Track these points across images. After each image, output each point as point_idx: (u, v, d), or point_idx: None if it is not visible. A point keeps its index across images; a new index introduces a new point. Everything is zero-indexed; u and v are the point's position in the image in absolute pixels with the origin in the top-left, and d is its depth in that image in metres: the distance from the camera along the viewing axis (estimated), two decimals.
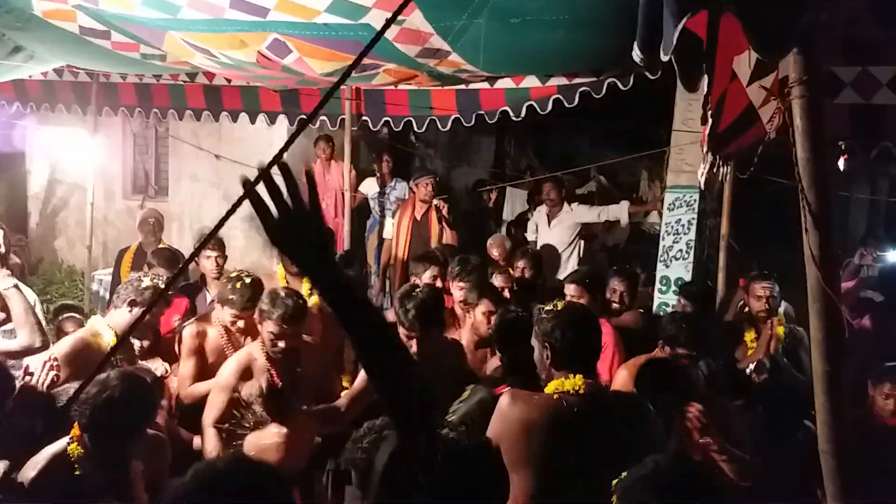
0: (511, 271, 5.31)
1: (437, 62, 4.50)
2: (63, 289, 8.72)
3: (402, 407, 1.72)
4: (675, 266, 5.23)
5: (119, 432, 2.66)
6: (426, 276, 4.66)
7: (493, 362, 3.77)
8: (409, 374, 1.70)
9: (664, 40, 1.92)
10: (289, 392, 3.39)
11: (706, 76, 2.42)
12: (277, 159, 1.59)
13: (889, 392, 3.72)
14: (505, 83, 5.51)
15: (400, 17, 3.69)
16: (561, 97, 5.30)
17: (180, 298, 4.93)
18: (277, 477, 1.66)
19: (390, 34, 3.98)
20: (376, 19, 3.75)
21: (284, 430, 3.11)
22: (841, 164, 4.43)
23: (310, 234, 1.54)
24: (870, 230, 8.74)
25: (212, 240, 4.90)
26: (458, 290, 4.38)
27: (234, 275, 4.14)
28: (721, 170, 3.15)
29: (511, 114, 5.61)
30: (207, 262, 5.13)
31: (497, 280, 4.84)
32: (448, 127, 6.08)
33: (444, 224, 6.59)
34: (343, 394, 3.67)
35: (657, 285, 5.35)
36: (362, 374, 3.34)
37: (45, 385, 3.23)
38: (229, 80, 6.38)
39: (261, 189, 1.51)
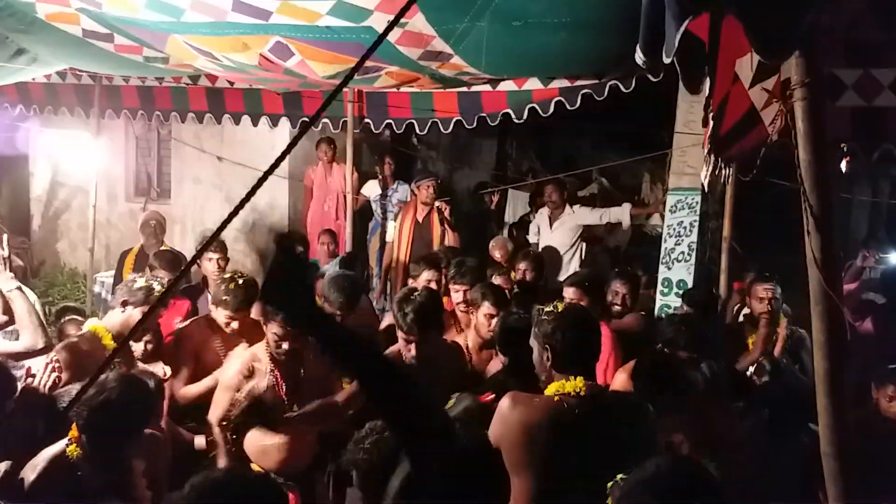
0: (511, 273, 5.31)
1: (440, 65, 4.50)
2: (65, 291, 8.73)
3: (398, 417, 1.74)
4: (676, 268, 5.22)
5: (116, 434, 2.67)
6: (422, 280, 4.66)
7: (494, 364, 3.77)
8: (403, 391, 1.73)
9: (666, 43, 1.92)
10: (276, 404, 3.40)
11: (708, 78, 2.42)
12: (280, 161, 1.60)
13: (893, 394, 3.73)
14: (507, 85, 5.52)
15: (402, 20, 3.70)
16: (563, 99, 5.30)
17: (182, 300, 4.94)
18: (276, 489, 1.68)
19: (392, 37, 3.99)
20: (378, 22, 3.75)
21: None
22: (843, 166, 4.43)
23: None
24: (871, 232, 8.74)
25: (214, 242, 4.93)
26: (455, 293, 4.39)
27: (227, 276, 4.15)
28: (723, 172, 3.14)
29: (513, 116, 5.62)
30: (209, 264, 5.14)
31: (497, 282, 4.84)
32: (450, 129, 6.08)
33: (445, 226, 6.60)
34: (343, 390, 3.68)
35: (659, 287, 5.34)
36: None
37: (47, 387, 3.24)
38: (232, 83, 6.39)
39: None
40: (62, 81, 6.94)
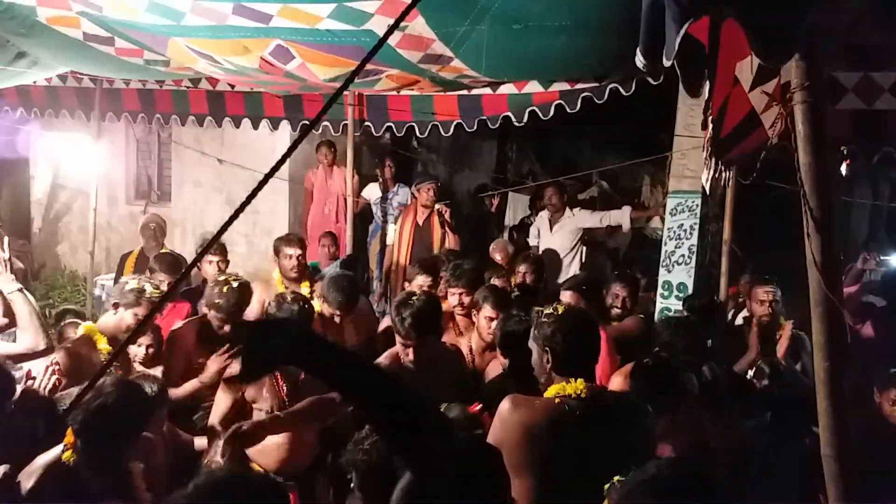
0: (511, 275, 5.31)
1: (440, 68, 4.51)
2: (65, 294, 8.73)
3: (397, 428, 1.75)
4: (676, 271, 5.23)
5: (113, 439, 2.66)
6: (416, 285, 4.66)
7: (492, 367, 3.76)
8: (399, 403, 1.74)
9: (666, 45, 1.92)
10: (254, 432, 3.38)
11: (708, 82, 2.43)
12: (281, 164, 1.60)
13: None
14: (507, 88, 5.52)
15: (402, 24, 3.70)
16: (563, 102, 5.30)
17: (182, 303, 4.94)
18: (278, 489, 1.68)
19: (393, 40, 3.99)
20: (379, 25, 3.76)
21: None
22: (843, 168, 4.44)
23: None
24: (871, 234, 8.74)
25: (214, 245, 4.93)
26: (451, 296, 4.39)
27: (221, 279, 4.14)
28: (723, 175, 3.15)
29: (513, 119, 5.62)
30: (209, 266, 5.14)
31: (496, 283, 4.84)
32: (450, 132, 6.09)
33: (446, 229, 6.60)
34: None
35: (659, 290, 5.35)
36: None
37: (47, 389, 3.25)
38: (232, 86, 6.39)
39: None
40: (63, 84, 6.94)
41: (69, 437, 2.65)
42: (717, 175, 3.09)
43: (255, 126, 6.66)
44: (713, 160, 3.00)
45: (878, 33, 4.10)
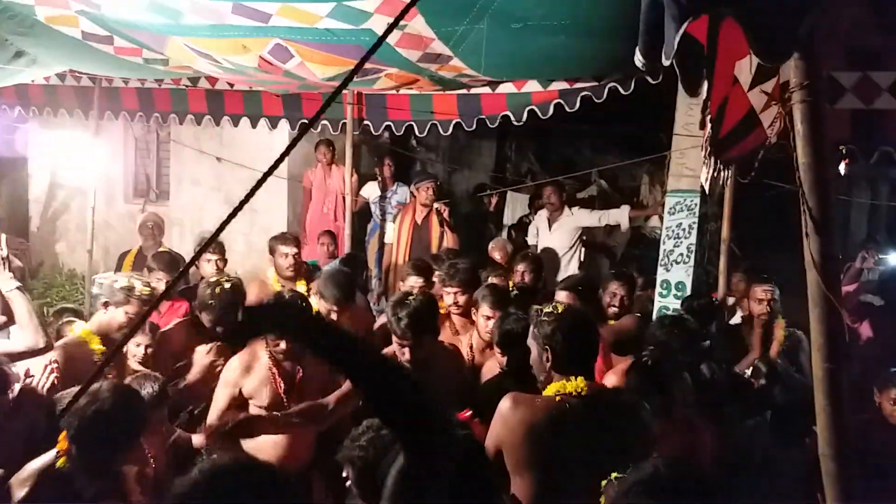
0: (510, 274, 5.31)
1: (439, 67, 4.51)
2: (63, 292, 8.72)
3: (398, 420, 1.75)
4: (675, 270, 5.22)
5: (109, 445, 2.63)
6: (407, 285, 4.65)
7: (489, 367, 3.76)
8: (403, 389, 1.75)
9: (665, 45, 1.92)
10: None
11: (707, 81, 2.43)
12: (279, 162, 1.60)
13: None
14: (506, 88, 5.52)
15: (402, 23, 3.70)
16: (562, 102, 5.30)
17: (180, 302, 4.94)
18: (283, 475, 1.68)
19: (392, 39, 3.99)
20: (378, 24, 3.76)
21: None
22: (842, 168, 4.44)
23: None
24: (870, 234, 8.76)
25: (212, 244, 4.92)
26: (447, 295, 4.38)
27: (213, 279, 4.11)
28: (722, 174, 3.15)
29: (512, 118, 5.62)
30: (208, 265, 5.14)
31: (494, 282, 4.84)
32: (449, 131, 6.09)
33: (444, 228, 6.60)
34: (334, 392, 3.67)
35: (658, 289, 5.34)
36: None
37: (46, 388, 3.24)
38: (231, 85, 6.39)
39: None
40: (61, 83, 6.93)
41: (62, 443, 2.60)
42: (715, 174, 3.09)
43: (254, 125, 6.65)
44: (712, 159, 3.00)
45: (877, 33, 4.11)
